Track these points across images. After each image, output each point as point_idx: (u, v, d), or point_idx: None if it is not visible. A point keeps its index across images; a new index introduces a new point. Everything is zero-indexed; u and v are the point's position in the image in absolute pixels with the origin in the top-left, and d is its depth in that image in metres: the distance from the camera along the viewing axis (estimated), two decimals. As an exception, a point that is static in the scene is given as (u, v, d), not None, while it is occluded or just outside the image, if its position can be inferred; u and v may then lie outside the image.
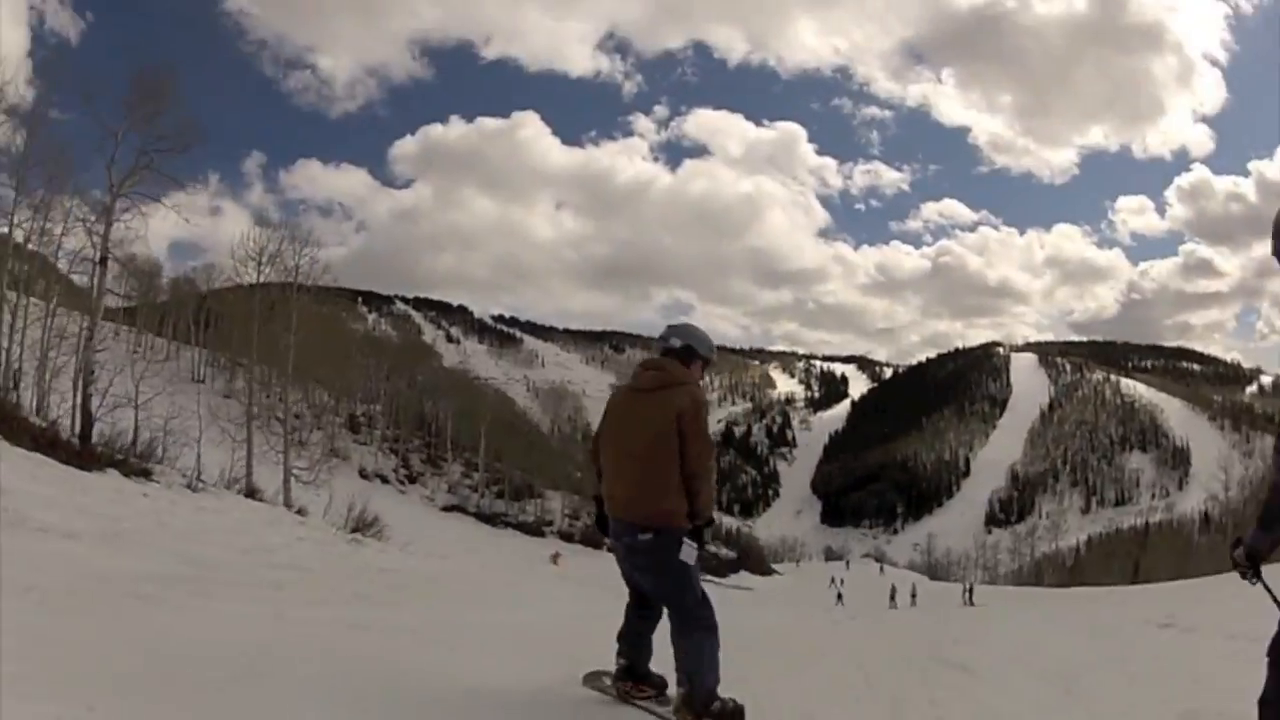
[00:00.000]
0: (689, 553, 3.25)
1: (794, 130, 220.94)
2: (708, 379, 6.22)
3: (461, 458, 50.84)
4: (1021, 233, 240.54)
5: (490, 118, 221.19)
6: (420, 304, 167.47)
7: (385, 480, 44.37)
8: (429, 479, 48.26)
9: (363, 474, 42.42)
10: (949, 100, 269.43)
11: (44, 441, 11.46)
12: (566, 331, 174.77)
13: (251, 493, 17.24)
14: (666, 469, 3.21)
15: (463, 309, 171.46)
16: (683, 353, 3.43)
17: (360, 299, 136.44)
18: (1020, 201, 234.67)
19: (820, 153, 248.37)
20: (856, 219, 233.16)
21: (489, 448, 47.61)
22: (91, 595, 4.69)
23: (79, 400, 14.80)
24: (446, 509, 43.92)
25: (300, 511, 17.62)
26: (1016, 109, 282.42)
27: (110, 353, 18.96)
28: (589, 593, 13.41)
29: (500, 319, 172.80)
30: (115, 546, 6.97)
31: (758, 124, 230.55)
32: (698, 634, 3.26)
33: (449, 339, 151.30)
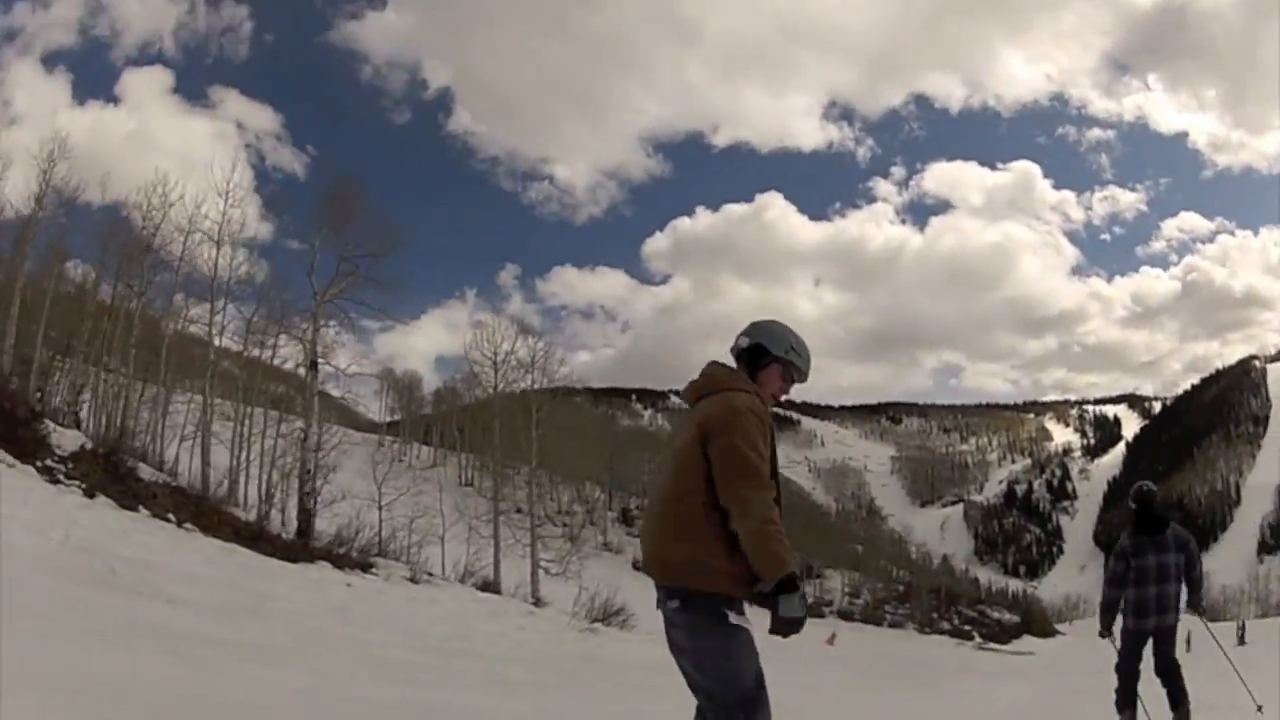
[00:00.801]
0: (738, 619, 2.32)
1: (1028, 169, 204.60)
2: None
3: (741, 544, 50.67)
4: (1255, 233, 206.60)
5: (734, 204, 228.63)
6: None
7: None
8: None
9: (636, 566, 42.71)
10: (1161, 106, 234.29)
11: (246, 534, 12.23)
12: (842, 408, 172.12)
13: (486, 586, 17.61)
14: (695, 507, 2.33)
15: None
16: (750, 354, 2.59)
17: (634, 396, 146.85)
18: (1247, 199, 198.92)
19: (1057, 187, 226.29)
20: (1103, 250, 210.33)
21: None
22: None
23: (300, 498, 16.23)
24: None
25: (538, 603, 17.67)
26: (1223, 101, 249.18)
27: (368, 460, 21.36)
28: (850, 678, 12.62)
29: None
30: (224, 617, 6.89)
31: (992, 168, 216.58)
32: None
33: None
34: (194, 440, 20.73)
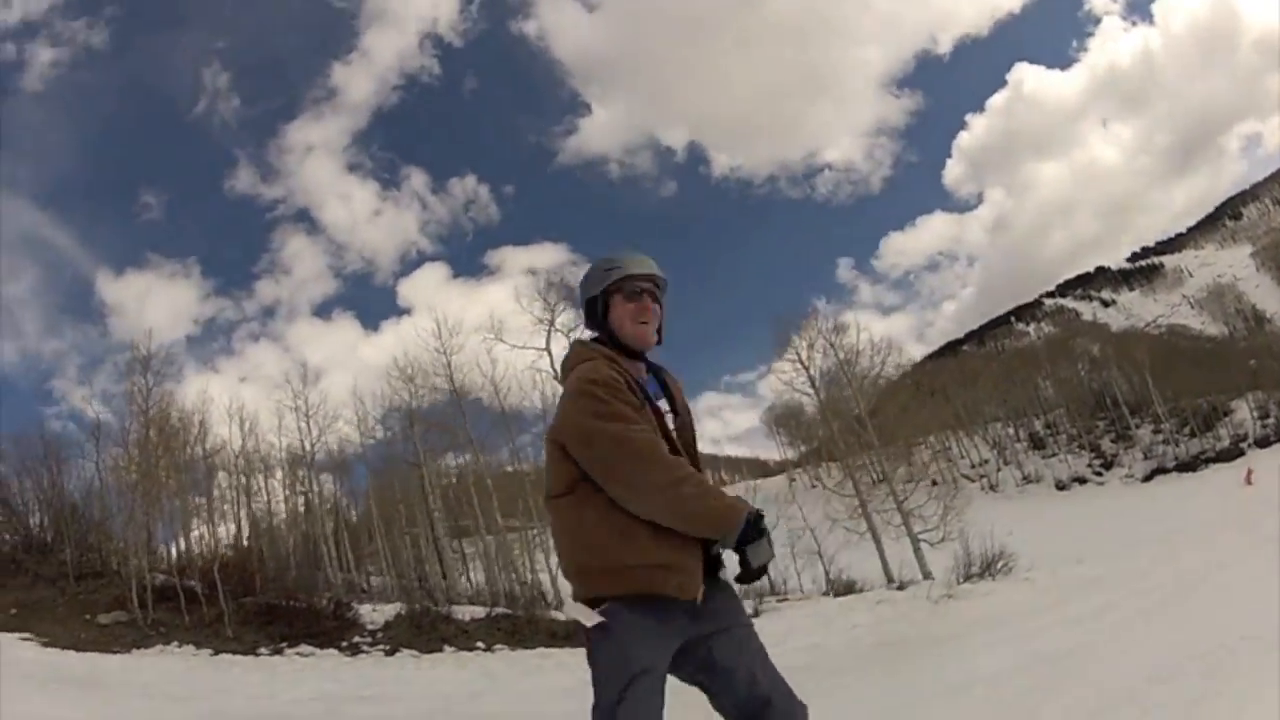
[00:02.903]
0: (586, 613, 1.99)
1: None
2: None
3: (1149, 415, 45.95)
4: None
5: (992, 95, 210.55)
6: (1065, 289, 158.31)
7: (1082, 481, 44.00)
8: (1123, 455, 45.66)
9: (1060, 486, 42.83)
10: None
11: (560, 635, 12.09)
12: (1190, 231, 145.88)
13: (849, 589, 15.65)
14: (573, 506, 2.03)
15: (1101, 269, 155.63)
16: (589, 313, 2.21)
17: (1012, 317, 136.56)
18: None
19: None
20: None
21: (1162, 392, 44.20)
22: None
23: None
24: (1147, 478, 42.23)
25: (900, 587, 15.44)
26: None
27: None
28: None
29: (1135, 255, 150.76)
30: None
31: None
32: None
33: (1104, 304, 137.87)
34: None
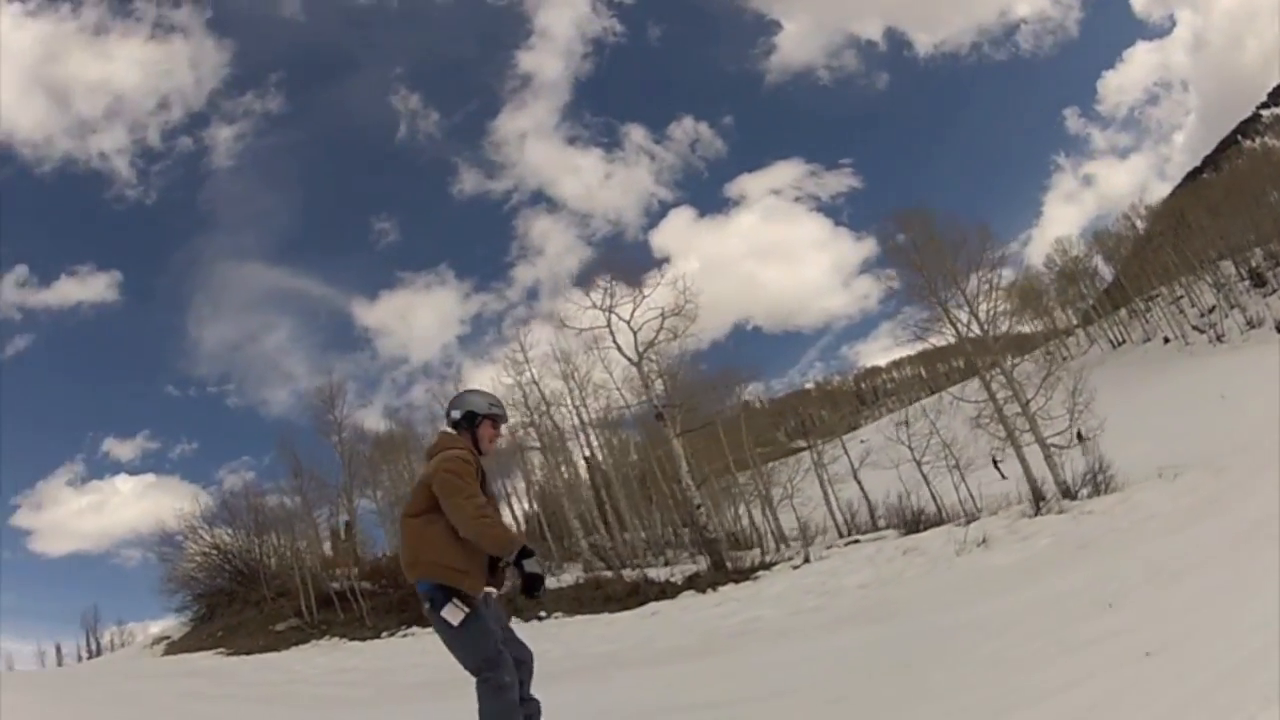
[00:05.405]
0: (452, 611, 3.32)
1: None
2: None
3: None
4: None
5: None
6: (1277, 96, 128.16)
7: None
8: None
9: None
10: None
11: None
12: None
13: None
14: (426, 523, 3.41)
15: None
16: (466, 420, 3.66)
17: (1239, 135, 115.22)
18: None
19: None
20: None
21: None
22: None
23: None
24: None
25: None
26: None
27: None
28: None
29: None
30: None
31: None
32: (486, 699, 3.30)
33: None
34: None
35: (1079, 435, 21.12)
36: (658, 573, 17.29)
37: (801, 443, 28.65)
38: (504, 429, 3.79)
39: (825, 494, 22.17)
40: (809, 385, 51.92)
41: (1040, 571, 8.54)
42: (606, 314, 20.38)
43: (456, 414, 3.64)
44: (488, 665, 3.32)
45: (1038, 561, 9.54)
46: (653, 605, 14.27)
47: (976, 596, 7.94)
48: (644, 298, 20.37)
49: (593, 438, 24.93)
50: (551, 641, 11.79)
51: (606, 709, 5.43)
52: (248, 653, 14.22)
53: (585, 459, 25.22)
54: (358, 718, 6.92)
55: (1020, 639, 5.16)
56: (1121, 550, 8.17)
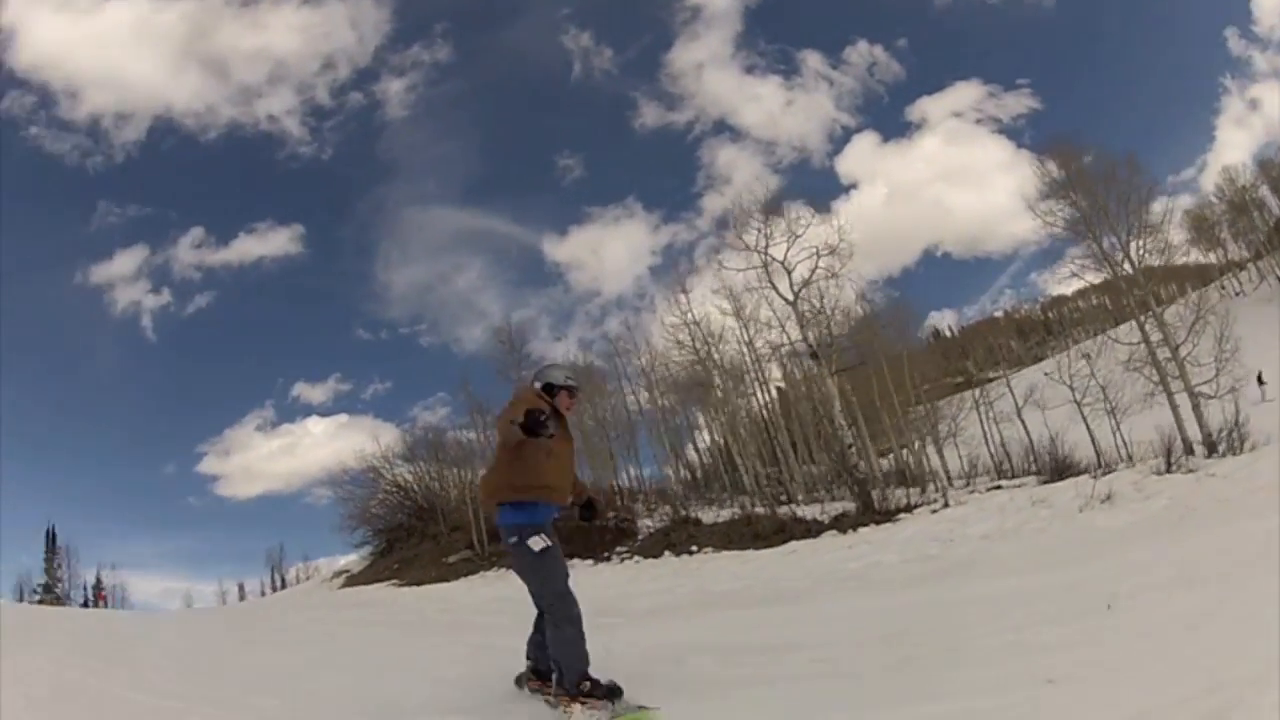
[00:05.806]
0: (536, 541, 3.78)
1: None
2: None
3: None
4: None
5: None
6: None
7: None
8: None
9: None
10: None
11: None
12: None
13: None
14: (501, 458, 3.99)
15: None
16: (546, 389, 4.17)
17: None
18: None
19: None
20: None
21: None
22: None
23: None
24: None
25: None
26: None
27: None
28: None
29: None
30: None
31: None
32: (558, 627, 3.73)
33: None
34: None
35: (1259, 378, 19.91)
36: (808, 510, 17.70)
37: (981, 374, 28.12)
38: (577, 396, 4.26)
39: (985, 433, 22.31)
40: (998, 313, 49.90)
41: (1126, 543, 8.71)
42: (762, 255, 20.70)
43: (538, 385, 4.16)
44: (560, 597, 3.72)
45: (1137, 531, 9.58)
46: (793, 544, 14.80)
47: (1056, 563, 8.36)
48: (796, 237, 20.52)
49: (761, 374, 25.19)
50: (682, 578, 12.79)
51: (670, 645, 5.84)
52: (418, 584, 15.73)
53: (756, 395, 25.61)
54: (479, 640, 7.34)
55: (988, 632, 5.27)
56: (1203, 529, 8.32)
